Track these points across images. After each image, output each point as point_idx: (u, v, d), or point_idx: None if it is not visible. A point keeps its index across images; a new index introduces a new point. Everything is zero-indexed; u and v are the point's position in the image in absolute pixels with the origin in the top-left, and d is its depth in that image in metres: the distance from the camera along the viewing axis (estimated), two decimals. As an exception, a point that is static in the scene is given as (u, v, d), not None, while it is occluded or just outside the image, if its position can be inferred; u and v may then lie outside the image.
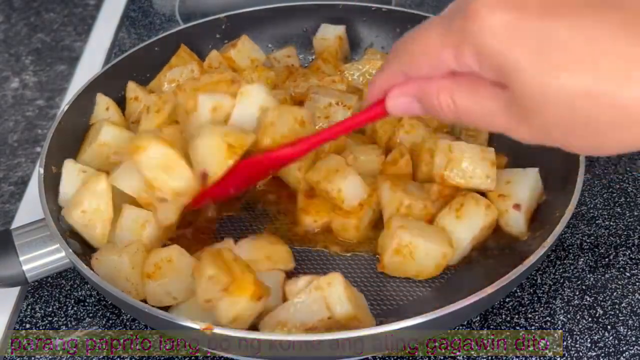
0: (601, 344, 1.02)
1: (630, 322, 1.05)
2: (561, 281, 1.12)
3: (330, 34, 1.45)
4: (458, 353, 1.02)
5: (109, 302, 1.11)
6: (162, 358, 1.03)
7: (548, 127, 0.66)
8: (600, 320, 1.06)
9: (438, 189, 1.11)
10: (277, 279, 1.01)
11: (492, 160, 1.08)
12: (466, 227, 1.06)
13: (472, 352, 1.02)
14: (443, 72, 0.71)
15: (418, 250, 1.02)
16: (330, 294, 0.93)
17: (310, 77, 1.34)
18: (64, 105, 1.21)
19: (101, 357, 1.04)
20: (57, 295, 1.13)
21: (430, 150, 1.13)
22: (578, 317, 1.06)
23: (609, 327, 1.05)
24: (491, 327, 1.05)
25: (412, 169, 1.17)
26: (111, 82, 1.29)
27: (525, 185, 1.09)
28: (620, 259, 1.15)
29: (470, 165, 1.08)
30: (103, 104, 1.25)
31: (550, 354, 1.01)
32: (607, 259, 1.15)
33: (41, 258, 1.03)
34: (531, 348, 1.02)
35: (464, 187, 1.10)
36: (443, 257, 1.04)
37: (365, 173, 1.14)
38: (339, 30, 1.46)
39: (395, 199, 1.08)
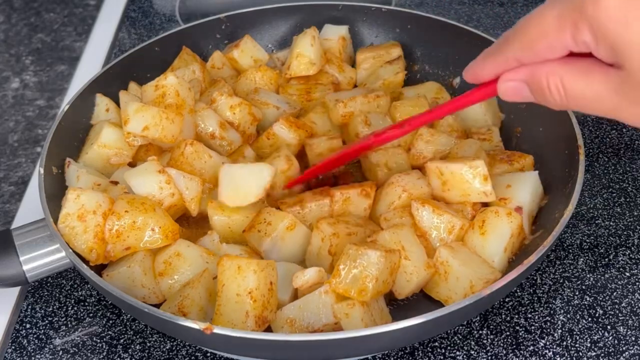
0: (601, 344, 1.02)
1: (630, 322, 1.05)
2: (561, 281, 1.12)
3: (333, 35, 1.44)
4: (458, 353, 1.02)
5: (109, 302, 1.11)
6: (162, 358, 1.03)
7: None
8: (600, 320, 1.06)
9: (471, 206, 1.09)
10: (287, 271, 1.02)
11: (484, 175, 1.06)
12: (495, 240, 1.04)
13: (472, 352, 1.02)
14: (559, 54, 0.73)
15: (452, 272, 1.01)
16: (347, 322, 0.93)
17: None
18: (64, 105, 1.21)
19: (101, 357, 1.04)
20: (57, 295, 1.13)
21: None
22: (578, 317, 1.06)
23: (608, 327, 1.05)
24: (491, 327, 1.05)
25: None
26: (111, 82, 1.29)
27: (526, 188, 1.08)
28: (620, 259, 1.15)
29: (464, 184, 1.07)
30: (103, 105, 1.25)
31: (550, 354, 1.01)
32: (607, 259, 1.15)
33: (41, 258, 1.03)
34: (531, 348, 1.02)
35: (467, 202, 1.09)
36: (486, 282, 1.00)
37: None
38: (342, 30, 1.45)
39: (444, 221, 1.06)
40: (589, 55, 0.71)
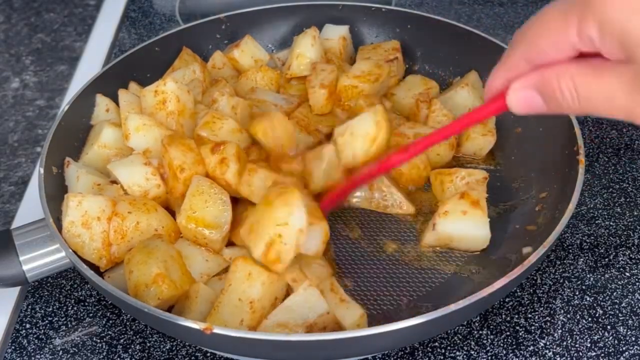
0: (601, 344, 1.02)
1: (630, 322, 1.05)
2: (561, 281, 1.12)
3: (333, 35, 1.44)
4: (458, 353, 1.02)
5: (109, 302, 1.11)
6: (162, 358, 1.03)
7: None
8: (600, 320, 1.06)
9: None
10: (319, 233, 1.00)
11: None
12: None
13: (472, 352, 1.02)
14: (566, 54, 0.71)
15: None
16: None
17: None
18: (64, 105, 1.21)
19: (101, 357, 1.04)
20: (57, 295, 1.13)
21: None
22: (578, 317, 1.06)
23: (608, 327, 1.05)
24: (491, 327, 1.05)
25: None
26: (111, 82, 1.29)
27: None
28: (620, 259, 1.15)
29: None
30: (103, 105, 1.25)
31: (550, 354, 1.01)
32: (607, 259, 1.15)
33: (41, 258, 1.03)
34: (531, 348, 1.02)
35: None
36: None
37: None
38: (343, 30, 1.45)
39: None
40: (598, 55, 0.69)
